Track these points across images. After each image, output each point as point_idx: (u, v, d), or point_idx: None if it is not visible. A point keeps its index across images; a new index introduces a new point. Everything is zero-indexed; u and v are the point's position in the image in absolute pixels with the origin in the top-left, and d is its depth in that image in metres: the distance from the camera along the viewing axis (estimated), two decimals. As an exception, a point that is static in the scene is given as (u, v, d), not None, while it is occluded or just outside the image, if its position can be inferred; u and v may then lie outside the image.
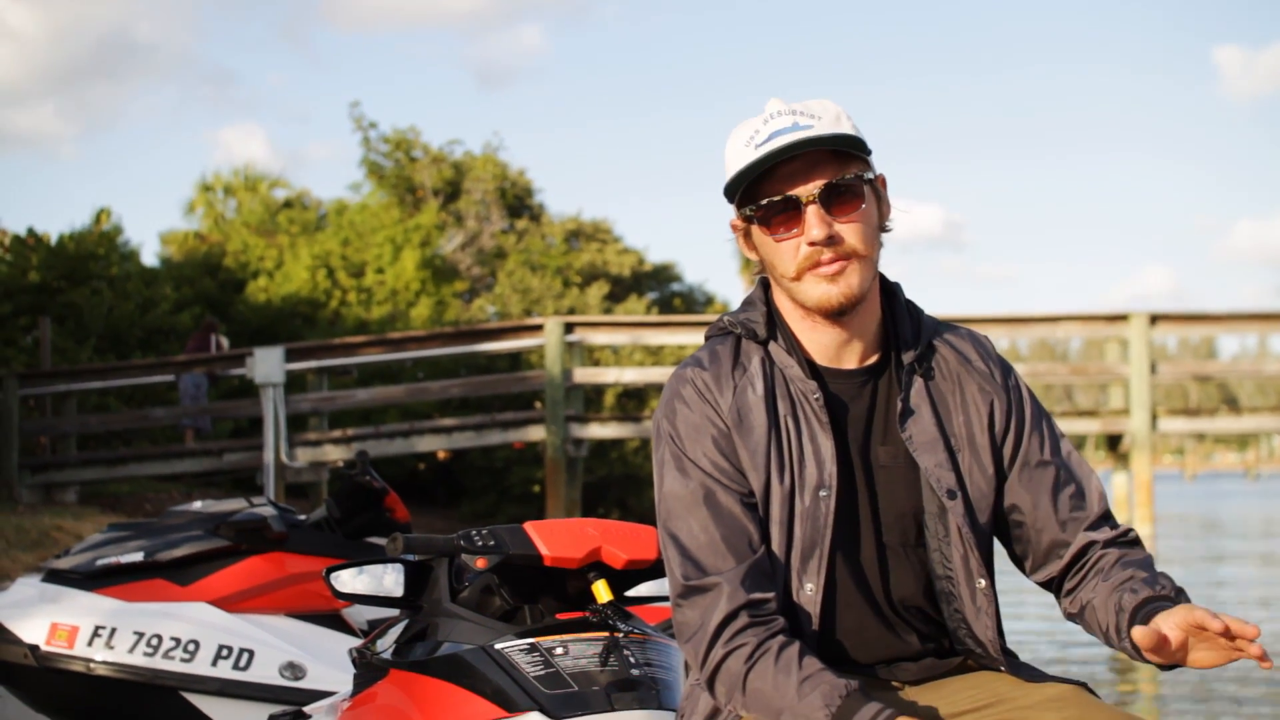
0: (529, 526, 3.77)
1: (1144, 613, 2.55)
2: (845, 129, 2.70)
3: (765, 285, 2.85)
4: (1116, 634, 2.62)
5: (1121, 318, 22.65)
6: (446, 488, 30.81)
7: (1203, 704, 9.17)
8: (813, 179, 2.69)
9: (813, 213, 2.68)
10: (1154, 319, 22.51)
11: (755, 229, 2.78)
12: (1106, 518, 2.84)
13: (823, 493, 2.69)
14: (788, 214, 2.71)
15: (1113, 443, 23.97)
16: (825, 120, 2.69)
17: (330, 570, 4.04)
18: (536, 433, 21.73)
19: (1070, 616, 2.84)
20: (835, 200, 2.69)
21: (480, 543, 3.69)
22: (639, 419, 22.25)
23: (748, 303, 2.87)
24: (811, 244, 2.68)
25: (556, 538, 3.74)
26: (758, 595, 2.60)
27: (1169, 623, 2.45)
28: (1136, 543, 2.82)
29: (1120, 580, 2.68)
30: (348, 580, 4.06)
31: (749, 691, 2.54)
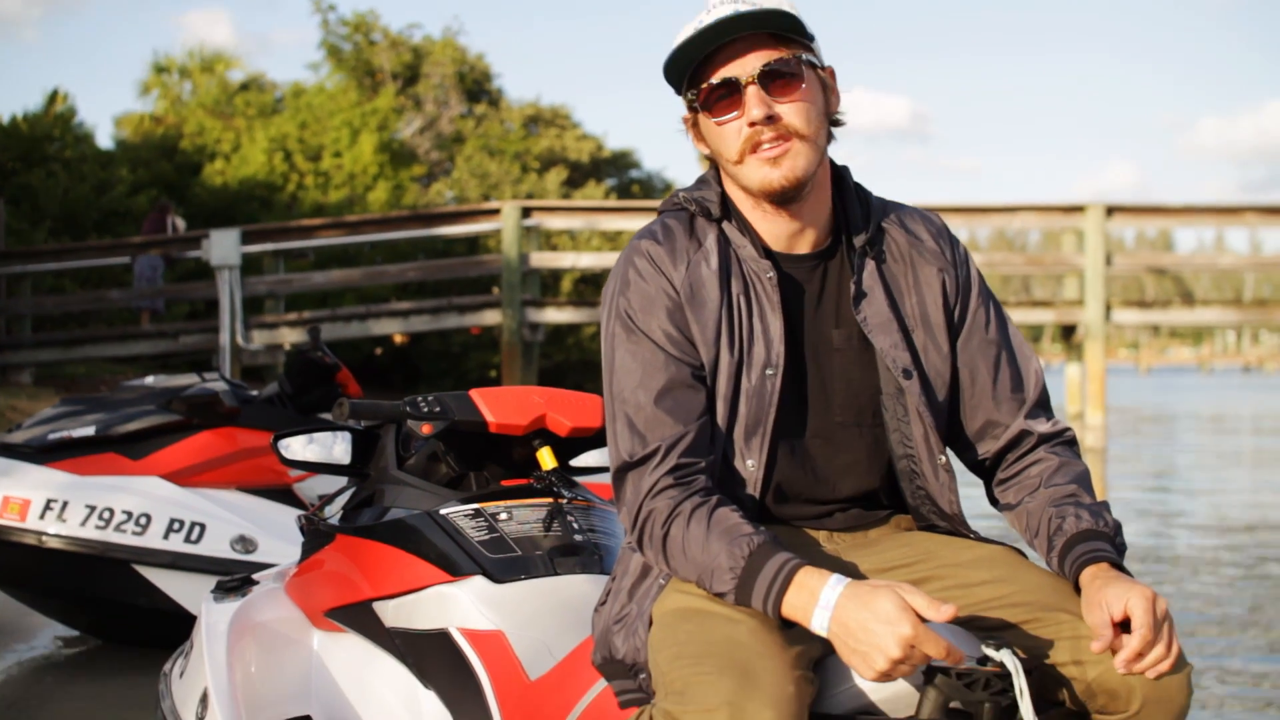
0: (475, 393, 3.79)
1: (1079, 552, 2.56)
2: (785, 9, 2.71)
3: (717, 167, 2.86)
4: (1047, 550, 2.66)
5: (1078, 209, 22.71)
6: (403, 373, 30.83)
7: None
8: (751, 59, 2.71)
9: (752, 93, 2.69)
10: (1110, 211, 22.58)
11: (701, 116, 2.79)
12: (1044, 406, 2.87)
13: (769, 371, 2.71)
14: (729, 97, 2.72)
15: (1067, 333, 24.12)
16: (768, 6, 2.70)
17: (279, 437, 4.07)
18: (493, 317, 21.75)
19: (998, 506, 2.88)
20: (775, 81, 2.71)
21: (426, 409, 3.71)
22: (596, 304, 22.26)
23: (702, 181, 2.88)
24: (751, 124, 2.70)
25: (502, 404, 3.77)
26: (687, 460, 2.63)
27: (1092, 613, 2.44)
28: (1073, 444, 2.85)
29: (1059, 496, 2.71)
30: (296, 448, 4.08)
31: (669, 551, 2.59)
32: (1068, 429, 2.85)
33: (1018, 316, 22.36)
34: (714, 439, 2.70)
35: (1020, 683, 2.32)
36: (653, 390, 2.67)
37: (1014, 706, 2.34)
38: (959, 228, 26.18)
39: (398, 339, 28.51)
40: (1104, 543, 2.57)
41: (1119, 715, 2.45)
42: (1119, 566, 2.54)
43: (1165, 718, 2.45)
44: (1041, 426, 2.82)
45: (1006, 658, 2.34)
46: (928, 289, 2.82)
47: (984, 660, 2.38)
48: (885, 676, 2.32)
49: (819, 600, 2.38)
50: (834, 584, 2.39)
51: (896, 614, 2.30)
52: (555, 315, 22.67)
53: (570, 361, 31.11)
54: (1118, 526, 2.63)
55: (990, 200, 35.87)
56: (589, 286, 31.21)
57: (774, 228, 2.79)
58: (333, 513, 4.08)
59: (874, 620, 2.31)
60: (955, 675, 2.35)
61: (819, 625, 2.38)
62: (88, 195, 26.01)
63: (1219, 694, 6.49)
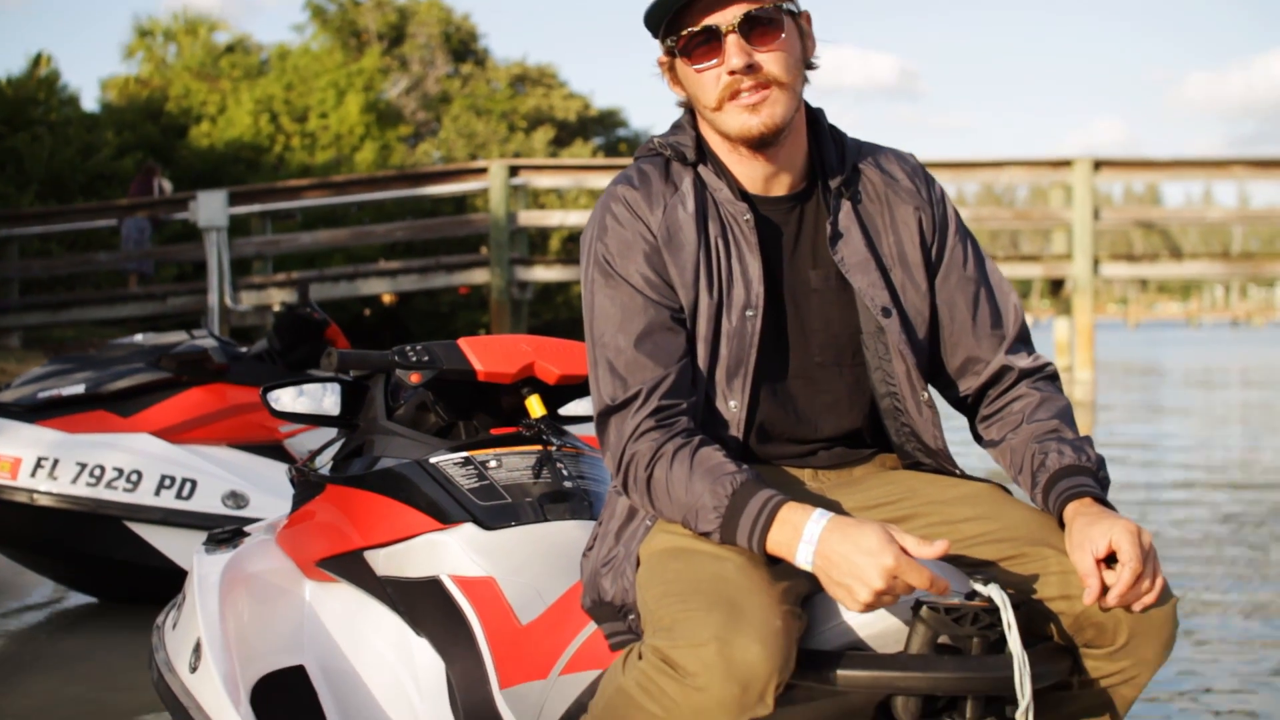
0: (463, 342, 3.80)
1: (1063, 488, 2.57)
2: None
3: (692, 111, 2.87)
4: (1031, 486, 2.67)
5: (1065, 163, 22.72)
6: (391, 333, 30.83)
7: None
8: (732, 8, 2.71)
9: (732, 42, 2.70)
10: (1098, 165, 22.60)
11: (678, 62, 2.80)
12: (1024, 341, 2.89)
13: (749, 313, 2.72)
14: (708, 44, 2.73)
15: (1055, 288, 24.15)
16: None
17: (268, 389, 4.07)
18: (481, 276, 21.75)
19: (982, 442, 2.89)
20: (755, 29, 2.71)
21: (415, 358, 3.72)
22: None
23: (676, 126, 2.89)
24: (731, 73, 2.70)
25: (490, 353, 3.77)
26: (669, 402, 2.64)
27: (1076, 552, 2.44)
28: (1055, 379, 2.87)
29: (1042, 431, 2.72)
30: (286, 400, 4.09)
31: (654, 493, 2.60)
32: (1049, 364, 2.86)
33: (1005, 271, 22.35)
34: (695, 381, 2.71)
35: (1008, 617, 2.34)
36: (632, 334, 2.68)
37: (1002, 640, 2.37)
38: (946, 183, 26.12)
39: (386, 299, 28.49)
40: (1087, 478, 2.59)
41: (1106, 648, 2.47)
42: (1102, 501, 2.55)
43: (1152, 649, 2.48)
44: (1022, 361, 2.83)
45: (994, 592, 2.36)
46: (904, 228, 2.82)
47: (971, 595, 2.40)
48: (869, 608, 2.34)
49: (802, 535, 2.40)
50: (817, 518, 2.41)
51: (879, 545, 2.32)
52: (543, 274, 22.66)
53: (559, 320, 31.12)
54: (1100, 461, 2.65)
55: (978, 155, 35.80)
56: (577, 245, 31.17)
57: (750, 171, 2.80)
58: (323, 463, 4.09)
59: (856, 552, 2.33)
60: (943, 610, 2.37)
61: (803, 559, 2.40)
62: (73, 158, 25.94)
63: (1201, 627, 6.53)
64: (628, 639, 2.66)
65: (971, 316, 2.83)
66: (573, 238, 31.30)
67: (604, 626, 2.76)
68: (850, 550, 2.33)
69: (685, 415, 2.65)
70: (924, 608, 2.38)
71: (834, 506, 2.54)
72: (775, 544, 2.43)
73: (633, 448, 2.62)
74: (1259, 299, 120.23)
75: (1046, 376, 2.85)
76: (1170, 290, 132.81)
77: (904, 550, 2.33)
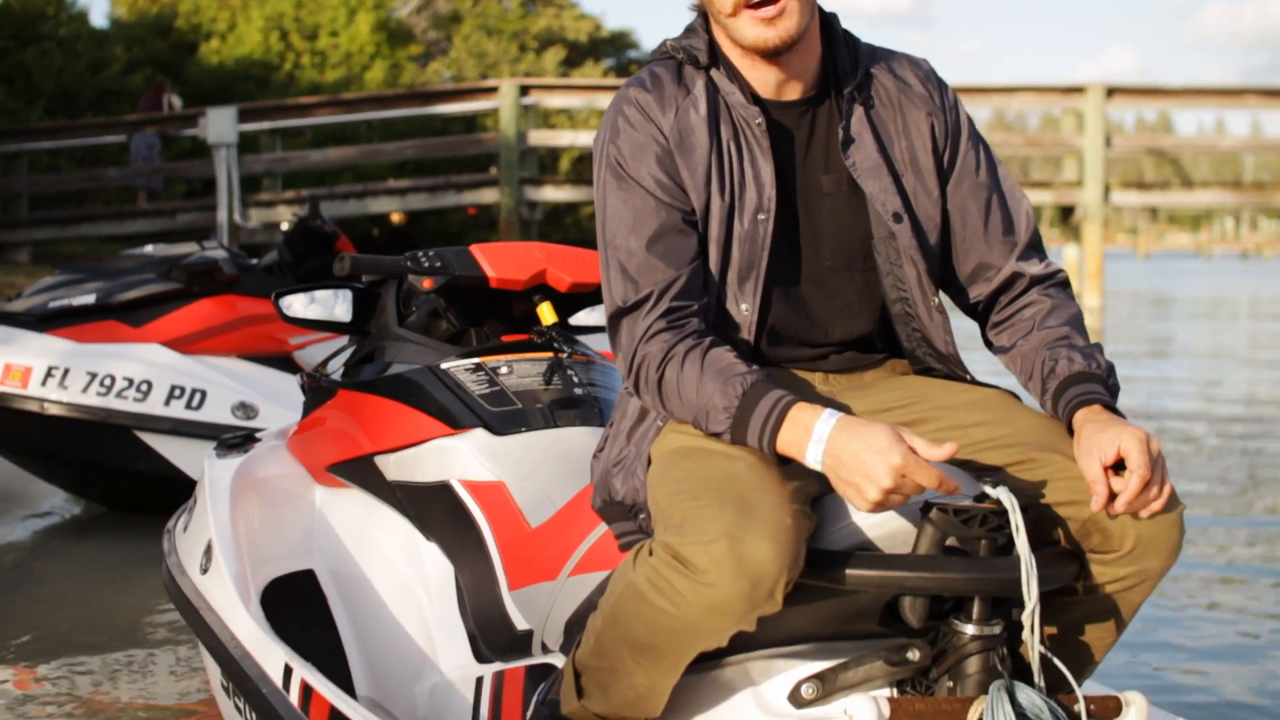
0: (475, 249, 3.80)
1: (1072, 394, 2.58)
2: None
3: (705, 14, 2.85)
4: (1041, 392, 2.67)
5: (1077, 90, 22.61)
6: (400, 252, 30.77)
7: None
8: None
9: None
10: (1110, 91, 22.48)
11: None
12: (1036, 248, 2.87)
13: (761, 216, 2.72)
14: None
15: (1065, 215, 24.09)
16: None
17: (280, 295, 4.08)
18: (491, 195, 21.72)
19: (993, 349, 2.88)
20: None
21: (427, 264, 3.72)
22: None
23: (689, 30, 2.87)
24: None
25: (502, 259, 3.77)
26: (681, 303, 2.64)
27: (1084, 458, 2.44)
28: (1066, 286, 2.86)
29: (1052, 338, 2.71)
30: (298, 306, 4.09)
31: (665, 394, 2.61)
32: (1060, 270, 2.86)
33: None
34: (706, 284, 2.71)
35: (1016, 519, 2.35)
36: (644, 236, 2.68)
37: (1010, 544, 2.38)
38: (958, 109, 26.04)
39: (395, 219, 28.45)
40: (1097, 385, 2.59)
41: (1113, 554, 2.49)
42: (1112, 408, 2.56)
43: (1159, 556, 2.49)
44: (1034, 268, 2.83)
45: (1003, 495, 2.37)
46: (916, 133, 2.81)
47: (980, 498, 2.41)
48: (878, 507, 2.35)
49: (812, 434, 2.40)
50: (827, 418, 2.41)
51: (888, 444, 2.33)
52: (553, 194, 22.62)
53: (568, 240, 30.96)
54: (1110, 368, 2.65)
55: (989, 81, 35.66)
56: (587, 165, 31.12)
57: (763, 76, 2.78)
58: (334, 369, 4.10)
59: (866, 450, 2.34)
60: (952, 512, 2.38)
61: (813, 458, 2.40)
62: (83, 74, 25.87)
63: (1201, 545, 6.57)
64: (638, 538, 2.67)
65: (983, 223, 2.82)
66: (583, 158, 31.23)
67: (614, 526, 2.78)
68: (860, 449, 2.34)
69: (696, 317, 2.65)
70: (933, 509, 2.39)
71: (844, 410, 2.55)
72: (785, 443, 2.44)
73: (644, 349, 2.63)
74: (1269, 231, 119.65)
75: (1058, 283, 2.84)
76: (1180, 221, 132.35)
77: (913, 450, 2.34)
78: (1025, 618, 2.37)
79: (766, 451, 2.46)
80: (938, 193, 2.80)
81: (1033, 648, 2.41)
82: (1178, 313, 28.96)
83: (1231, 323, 26.23)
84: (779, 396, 2.46)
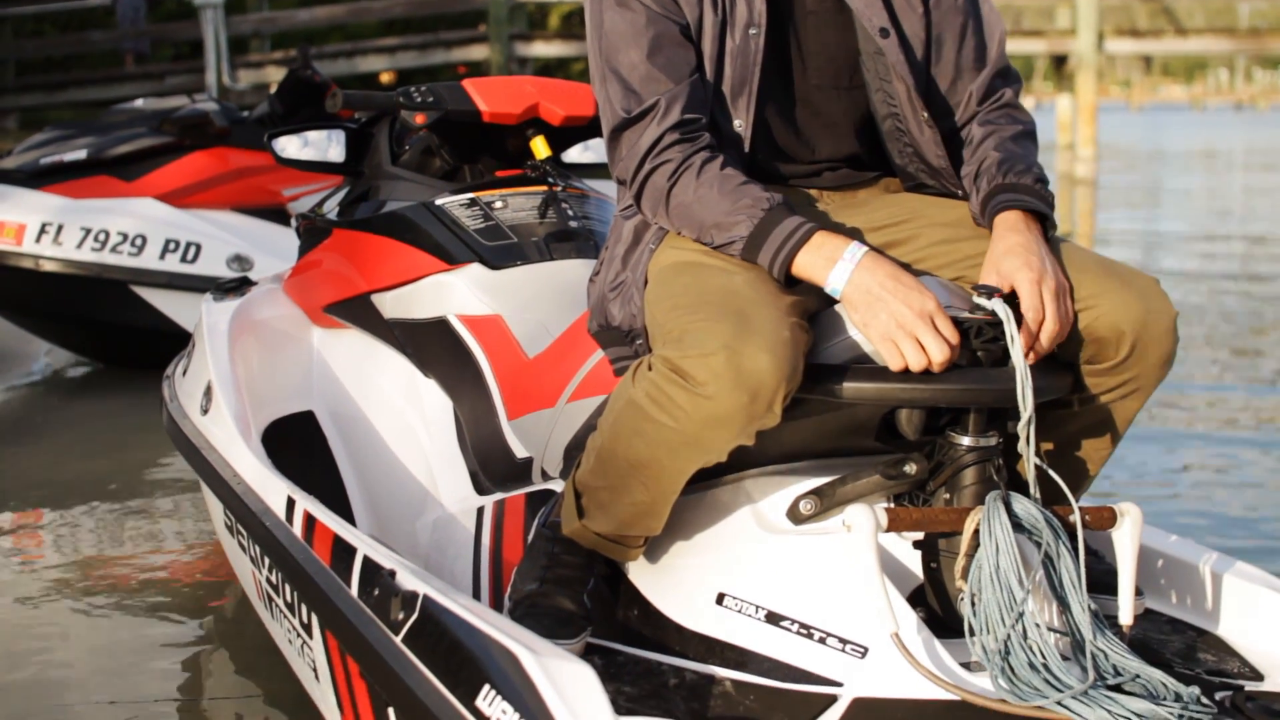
0: (468, 83, 3.78)
1: (996, 201, 2.57)
2: None
3: None
4: (980, 211, 2.66)
5: (1071, -65, 22.37)
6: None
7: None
8: None
9: None
10: (1104, -63, 22.25)
11: None
12: (1004, 75, 2.85)
13: (752, 30, 2.70)
14: None
15: (1058, 65, 23.94)
16: None
17: (272, 135, 4.07)
18: (480, 52, 21.56)
19: (961, 177, 2.87)
20: None
21: (419, 99, 3.71)
22: (584, 37, 22.03)
23: None
24: None
25: (495, 93, 3.76)
26: (689, 115, 2.63)
27: (998, 262, 2.46)
28: (1018, 107, 2.83)
29: (993, 153, 2.68)
30: (292, 149, 4.08)
31: (673, 205, 2.60)
32: (1003, 93, 2.82)
33: (1009, 46, 22.17)
34: (706, 97, 2.70)
35: (1011, 330, 2.36)
36: (644, 47, 2.67)
37: (1005, 355, 2.39)
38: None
39: (384, 78, 28.19)
40: (1021, 193, 2.58)
41: (1107, 363, 2.50)
42: (1038, 213, 2.56)
43: (1153, 362, 2.50)
44: (996, 94, 2.81)
45: (997, 305, 2.38)
46: None
47: (975, 310, 2.41)
48: (897, 331, 2.37)
49: (843, 255, 2.42)
50: (856, 247, 2.43)
51: (918, 283, 2.38)
52: (543, 49, 22.46)
53: (560, 99, 30.80)
54: (1042, 177, 2.63)
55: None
56: (577, 21, 30.82)
57: None
58: (329, 210, 4.09)
59: (897, 279, 2.38)
60: (948, 323, 2.38)
61: (838, 277, 2.42)
62: (65, -65, 25.54)
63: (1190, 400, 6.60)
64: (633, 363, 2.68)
65: (957, 49, 2.81)
66: (572, 14, 30.92)
67: (610, 351, 2.79)
68: (891, 271, 2.39)
69: (705, 131, 2.65)
70: (929, 321, 2.40)
71: (839, 228, 2.55)
72: (804, 265, 2.45)
73: (655, 159, 2.61)
74: (1264, 82, 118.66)
75: (1008, 103, 2.82)
76: (1174, 73, 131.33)
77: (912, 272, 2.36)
78: (1021, 428, 2.38)
79: (776, 271, 2.46)
80: (922, 9, 2.78)
81: (1028, 459, 2.42)
82: (1170, 163, 28.83)
83: (1226, 175, 26.14)
84: (802, 221, 2.47)
